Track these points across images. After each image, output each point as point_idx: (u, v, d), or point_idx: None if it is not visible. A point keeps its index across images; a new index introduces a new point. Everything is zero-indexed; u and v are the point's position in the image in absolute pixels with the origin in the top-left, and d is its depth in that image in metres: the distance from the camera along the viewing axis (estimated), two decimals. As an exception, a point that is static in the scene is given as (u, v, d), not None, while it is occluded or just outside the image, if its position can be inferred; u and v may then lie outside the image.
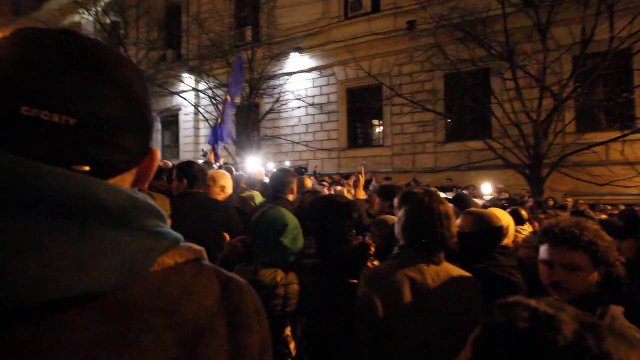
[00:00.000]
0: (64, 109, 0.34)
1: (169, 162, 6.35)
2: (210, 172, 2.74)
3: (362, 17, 11.48)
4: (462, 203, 3.00)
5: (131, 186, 0.43)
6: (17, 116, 0.32)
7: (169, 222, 1.01)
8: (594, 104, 7.93)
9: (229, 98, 5.16)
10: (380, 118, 11.59)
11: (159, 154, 0.46)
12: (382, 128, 11.58)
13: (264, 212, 1.54)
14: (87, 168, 0.35)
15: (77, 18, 17.65)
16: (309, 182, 4.18)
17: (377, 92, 11.09)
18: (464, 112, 9.41)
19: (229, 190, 2.63)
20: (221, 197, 2.55)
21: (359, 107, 11.81)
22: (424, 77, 10.26)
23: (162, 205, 1.52)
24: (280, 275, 1.39)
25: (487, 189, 7.09)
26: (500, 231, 1.68)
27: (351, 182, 3.16)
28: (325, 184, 6.85)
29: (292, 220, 1.50)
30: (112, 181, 0.38)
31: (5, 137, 0.32)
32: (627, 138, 7.07)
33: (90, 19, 15.35)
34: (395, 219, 1.61)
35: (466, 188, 7.20)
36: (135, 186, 0.44)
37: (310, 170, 10.67)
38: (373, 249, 1.74)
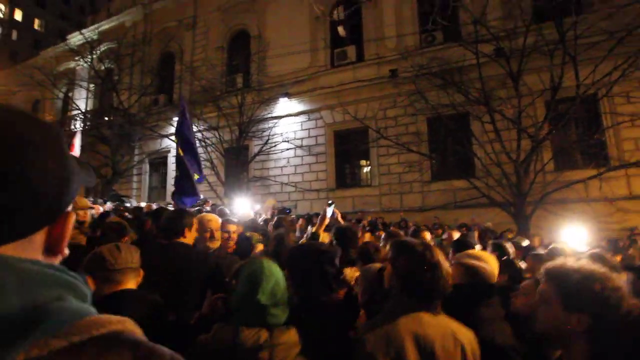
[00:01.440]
0: None
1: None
2: (200, 215, 2.65)
3: (347, 65, 12.09)
4: (462, 247, 2.89)
5: (45, 252, 0.40)
6: None
7: (139, 274, 1.19)
8: (568, 145, 8.29)
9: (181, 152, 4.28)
10: (367, 158, 11.79)
11: (72, 218, 0.43)
12: (369, 168, 11.74)
13: (243, 265, 1.42)
14: None
15: (72, 64, 18.15)
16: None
17: (363, 134, 11.36)
18: (448, 152, 9.68)
19: (218, 234, 2.51)
20: (213, 243, 2.44)
21: (346, 148, 12.02)
22: (408, 120, 10.64)
23: (129, 257, 1.54)
24: (264, 336, 1.23)
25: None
26: (491, 289, 1.62)
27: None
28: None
29: (272, 274, 1.35)
30: (3, 249, 0.35)
31: None
32: (603, 175, 7.32)
33: (85, 65, 15.75)
34: (377, 266, 1.65)
35: (463, 226, 7.15)
36: (49, 253, 0.41)
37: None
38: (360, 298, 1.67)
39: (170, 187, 14.54)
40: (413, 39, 11.12)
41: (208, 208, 9.98)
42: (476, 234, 6.91)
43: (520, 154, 7.55)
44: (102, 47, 16.54)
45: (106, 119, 15.09)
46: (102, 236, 2.78)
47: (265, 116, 12.65)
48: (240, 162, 12.43)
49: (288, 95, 12.53)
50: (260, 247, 2.88)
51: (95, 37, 17.30)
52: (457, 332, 1.27)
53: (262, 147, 12.32)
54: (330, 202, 3.25)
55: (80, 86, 16.58)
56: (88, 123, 16.17)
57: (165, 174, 15.13)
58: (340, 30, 12.84)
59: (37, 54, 21.89)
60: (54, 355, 0.32)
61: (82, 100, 16.95)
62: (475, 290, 1.59)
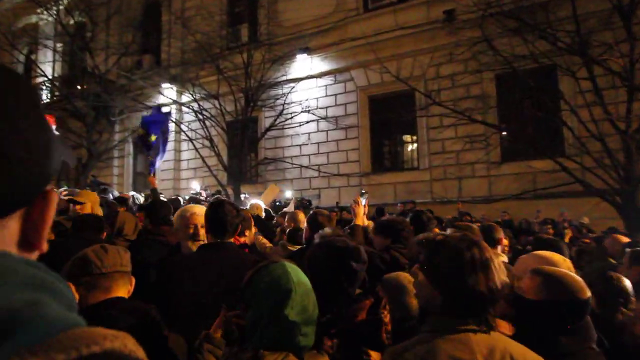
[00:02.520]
0: None
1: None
2: (183, 207, 2.81)
3: (385, 7, 11.71)
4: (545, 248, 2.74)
5: (19, 245, 0.43)
6: None
7: (131, 281, 1.67)
8: None
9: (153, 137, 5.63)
10: (413, 133, 11.53)
11: (55, 198, 0.45)
12: (416, 145, 11.48)
13: (260, 269, 1.40)
14: None
15: (33, 19, 18.46)
16: (302, 216, 4.19)
17: (408, 100, 11.05)
18: (525, 122, 9.23)
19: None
20: (196, 244, 2.48)
21: (386, 119, 11.79)
22: (470, 79, 10.16)
23: (117, 259, 1.63)
24: None
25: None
26: (586, 306, 1.54)
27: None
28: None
29: (301, 281, 1.36)
30: None
31: None
32: None
33: (50, 19, 15.99)
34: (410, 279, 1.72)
35: (547, 223, 6.83)
36: (24, 246, 0.43)
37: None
38: (387, 317, 1.71)
39: (161, 172, 14.81)
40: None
41: (203, 197, 10.07)
42: (568, 234, 6.58)
43: (631, 123, 7.02)
44: (71, -4, 16.73)
45: (78, 87, 15.35)
46: (76, 231, 2.90)
47: (279, 79, 12.53)
48: (248, 139, 12.42)
49: (308, 50, 12.33)
50: None
51: (61, -17, 17.49)
52: (520, 358, 1.20)
53: (276, 120, 12.26)
54: (363, 191, 3.55)
55: (45, 46, 16.88)
56: (56, 93, 16.56)
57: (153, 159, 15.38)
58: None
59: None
60: None
61: (48, 64, 17.29)
62: (565, 310, 1.51)
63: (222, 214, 2.25)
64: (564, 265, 1.90)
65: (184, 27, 13.51)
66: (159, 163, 5.85)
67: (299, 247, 3.46)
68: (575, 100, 8.00)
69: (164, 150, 5.75)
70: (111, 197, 8.43)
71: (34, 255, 0.45)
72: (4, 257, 0.38)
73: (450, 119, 9.53)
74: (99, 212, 3.70)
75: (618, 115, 7.22)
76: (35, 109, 0.43)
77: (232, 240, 2.33)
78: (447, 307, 1.27)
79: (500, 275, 1.27)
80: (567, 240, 6.21)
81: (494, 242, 3.00)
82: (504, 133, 9.91)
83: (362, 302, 1.77)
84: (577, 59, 7.72)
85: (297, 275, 1.38)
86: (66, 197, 3.72)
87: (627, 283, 2.19)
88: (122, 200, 7.03)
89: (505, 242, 3.76)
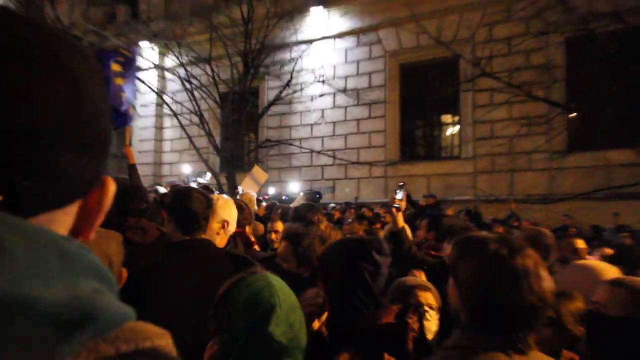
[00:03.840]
0: None
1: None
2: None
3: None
4: (627, 262, 2.76)
5: (71, 232, 0.47)
6: None
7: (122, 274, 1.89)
8: None
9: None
10: (455, 112, 11.43)
11: (112, 187, 0.50)
12: (457, 128, 11.38)
13: (237, 282, 1.48)
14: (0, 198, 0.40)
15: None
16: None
17: (450, 69, 10.99)
18: (603, 101, 8.97)
19: (233, 226, 2.81)
20: (223, 238, 2.67)
21: (420, 93, 11.72)
22: (531, 44, 9.92)
23: (118, 250, 1.74)
24: None
25: None
26: None
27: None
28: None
29: (286, 295, 1.44)
30: (35, 220, 0.41)
31: None
32: None
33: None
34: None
35: (626, 230, 6.69)
36: (76, 234, 0.48)
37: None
38: (416, 323, 1.79)
39: (140, 154, 15.00)
40: None
41: (199, 182, 10.09)
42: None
43: None
44: None
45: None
46: None
47: (287, 39, 12.53)
48: (246, 115, 12.44)
49: (324, 3, 12.27)
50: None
51: None
52: None
53: (282, 92, 12.25)
54: (400, 183, 3.63)
55: (0, -5, 17.20)
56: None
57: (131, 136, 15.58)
58: None
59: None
60: None
61: (3, 18, 17.64)
62: None
63: (191, 205, 2.34)
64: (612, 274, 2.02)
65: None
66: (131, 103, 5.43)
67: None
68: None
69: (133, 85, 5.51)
70: None
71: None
72: (71, 241, 0.40)
73: (504, 94, 9.37)
74: None
75: None
76: (105, 98, 0.48)
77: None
78: (473, 321, 1.33)
79: (543, 288, 1.29)
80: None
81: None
82: (574, 114, 9.70)
83: (389, 307, 1.86)
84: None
85: (282, 288, 1.46)
86: None
87: None
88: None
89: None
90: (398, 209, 3.44)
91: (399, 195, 3.53)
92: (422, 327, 1.94)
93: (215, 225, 2.64)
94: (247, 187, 7.49)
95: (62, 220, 0.46)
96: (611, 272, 2.07)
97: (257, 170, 8.22)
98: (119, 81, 5.18)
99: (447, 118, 11.76)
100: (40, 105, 0.40)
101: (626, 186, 8.28)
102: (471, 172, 10.82)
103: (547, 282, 1.31)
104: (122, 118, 5.27)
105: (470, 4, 10.85)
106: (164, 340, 0.47)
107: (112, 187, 0.50)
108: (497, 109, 10.11)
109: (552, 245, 3.17)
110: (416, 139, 12.12)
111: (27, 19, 0.44)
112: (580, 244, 3.80)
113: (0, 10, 0.43)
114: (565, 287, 2.01)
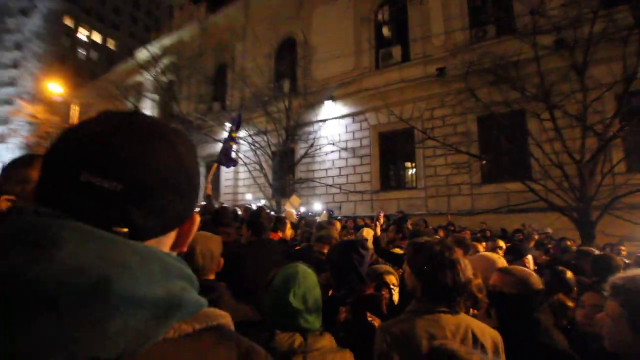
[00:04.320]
0: (114, 175, 0.38)
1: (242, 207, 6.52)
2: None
3: (392, 66, 11.78)
4: (516, 253, 2.73)
5: (171, 248, 0.46)
6: (76, 181, 0.37)
7: (220, 262, 1.62)
8: (644, 143, 7.28)
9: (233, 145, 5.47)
10: (412, 160, 11.39)
11: (198, 219, 0.48)
12: (415, 170, 11.33)
13: (280, 270, 1.41)
14: (124, 230, 0.38)
15: (139, 78, 19.82)
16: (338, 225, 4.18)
17: (409, 135, 10.98)
18: (500, 153, 9.00)
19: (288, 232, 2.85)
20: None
21: (391, 150, 11.73)
22: (456, 119, 10.09)
23: (217, 246, 1.70)
24: (298, 340, 1.20)
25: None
26: (540, 293, 1.57)
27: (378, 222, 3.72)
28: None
29: (307, 279, 1.33)
30: (148, 242, 0.40)
31: (65, 199, 0.37)
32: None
33: (151, 78, 17.09)
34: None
35: (518, 232, 6.65)
36: (174, 248, 0.46)
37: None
38: (387, 295, 1.81)
39: (224, 187, 15.25)
40: (462, 35, 10.52)
41: (254, 207, 10.28)
42: (533, 240, 6.36)
43: (584, 154, 6.77)
44: (164, 61, 17.86)
45: (168, 126, 16.21)
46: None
47: (311, 119, 12.74)
48: (287, 164, 12.65)
49: (333, 98, 12.50)
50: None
51: (158, 52, 18.71)
52: (479, 332, 1.23)
53: (308, 150, 12.42)
54: (380, 208, 3.80)
55: (147, 97, 18.04)
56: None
57: (219, 175, 15.91)
58: (385, 30, 12.57)
59: (110, 70, 24.29)
60: (182, 338, 0.39)
61: (148, 110, 18.37)
62: (529, 298, 1.53)
63: (261, 218, 2.38)
64: (499, 262, 1.97)
65: (243, 82, 14.03)
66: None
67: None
68: (540, 137, 7.77)
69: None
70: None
71: (175, 253, 0.48)
72: (170, 256, 0.41)
73: (441, 150, 9.40)
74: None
75: (574, 148, 6.98)
76: (196, 166, 0.47)
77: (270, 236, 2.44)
78: (425, 294, 1.29)
79: (466, 273, 1.29)
80: (532, 244, 6.03)
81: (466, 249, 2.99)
82: (484, 161, 9.68)
83: (369, 283, 1.84)
84: (541, 105, 7.53)
85: (305, 274, 1.35)
86: None
87: (569, 275, 2.17)
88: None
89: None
90: (379, 223, 3.63)
91: (381, 213, 3.77)
92: (391, 297, 1.95)
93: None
94: (288, 207, 7.61)
95: (165, 242, 0.44)
96: (499, 260, 2.00)
97: (293, 198, 8.34)
98: (231, 143, 5.31)
99: (408, 164, 11.74)
100: (150, 169, 0.39)
101: (517, 205, 8.23)
102: (423, 196, 10.78)
103: (468, 269, 1.30)
104: (232, 162, 5.42)
105: (420, 96, 11.02)
106: (225, 319, 0.45)
107: (197, 220, 0.48)
108: (438, 158, 10.13)
109: (470, 244, 3.10)
110: (390, 177, 12.01)
111: (152, 118, 0.45)
112: (501, 243, 3.66)
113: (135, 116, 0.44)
114: (473, 268, 1.84)
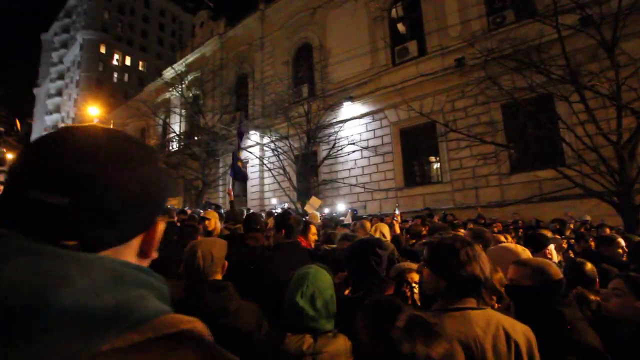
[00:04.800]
0: (61, 190, 0.38)
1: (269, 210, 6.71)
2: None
3: (409, 61, 11.58)
4: (536, 244, 2.54)
5: (138, 256, 0.45)
6: (25, 198, 0.38)
7: (225, 264, 1.55)
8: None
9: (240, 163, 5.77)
10: (436, 154, 11.09)
11: (162, 226, 0.47)
12: (439, 164, 11.02)
13: (298, 270, 1.38)
14: (73, 242, 0.38)
15: (167, 95, 20.74)
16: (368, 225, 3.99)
17: (430, 130, 10.71)
18: (529, 140, 8.54)
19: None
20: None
21: (413, 145, 11.48)
22: (479, 109, 9.73)
23: (219, 250, 1.70)
24: (307, 342, 1.17)
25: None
26: (560, 284, 1.46)
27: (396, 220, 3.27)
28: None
29: (318, 280, 1.28)
30: (104, 253, 0.40)
31: (15, 216, 0.38)
32: None
33: (177, 94, 17.84)
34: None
35: (555, 221, 6.27)
36: (141, 256, 0.45)
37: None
38: (409, 293, 1.65)
39: (251, 194, 15.55)
40: (479, 23, 10.16)
41: (279, 210, 10.34)
42: (569, 229, 5.99)
43: (622, 135, 6.28)
44: (189, 77, 18.60)
45: (195, 138, 16.84)
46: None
47: (331, 121, 12.73)
48: (310, 167, 12.70)
49: (351, 98, 12.45)
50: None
51: (183, 69, 19.50)
52: (510, 328, 1.15)
53: (330, 151, 12.42)
54: (397, 204, 3.55)
55: (175, 112, 18.86)
56: (181, 143, 18.27)
57: (245, 182, 16.25)
58: (400, 27, 12.40)
59: (141, 90, 25.59)
60: (130, 349, 0.36)
61: (177, 124, 19.21)
62: (549, 290, 1.43)
63: (290, 221, 2.36)
64: (522, 254, 1.81)
65: (263, 91, 14.36)
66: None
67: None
68: (570, 120, 7.32)
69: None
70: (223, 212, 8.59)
71: (146, 262, 0.47)
72: (126, 265, 0.40)
73: (465, 142, 9.08)
74: (219, 224, 3.70)
75: (609, 129, 6.50)
76: (157, 165, 0.46)
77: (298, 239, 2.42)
78: (450, 291, 1.22)
79: (487, 265, 1.23)
80: (568, 233, 5.68)
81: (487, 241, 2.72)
82: (512, 150, 9.16)
83: (389, 282, 1.77)
84: (570, 87, 7.10)
85: (317, 275, 1.31)
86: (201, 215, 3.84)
87: (589, 267, 1.98)
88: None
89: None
90: (396, 221, 3.41)
91: (397, 211, 3.57)
92: (413, 296, 1.83)
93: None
94: (309, 209, 7.57)
95: (125, 251, 0.43)
96: (522, 253, 1.83)
97: (313, 199, 8.28)
98: (239, 162, 5.47)
99: (431, 158, 11.45)
100: (98, 181, 0.39)
101: (552, 192, 7.79)
102: (450, 190, 10.45)
103: (487, 265, 1.24)
104: (244, 176, 5.64)
105: (439, 89, 10.76)
106: (190, 325, 0.40)
107: (161, 226, 0.47)
108: (462, 151, 9.86)
109: (491, 237, 2.83)
110: (414, 173, 11.71)
111: (118, 134, 0.44)
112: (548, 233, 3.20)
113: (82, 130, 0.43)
114: (493, 262, 1.66)
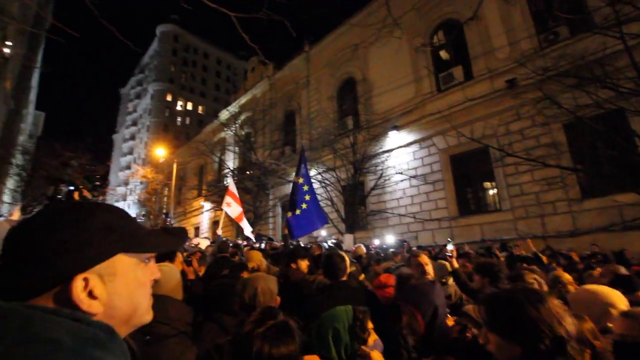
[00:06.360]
0: None
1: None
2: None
3: (455, 87, 11.34)
4: (626, 285, 2.18)
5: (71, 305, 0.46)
6: None
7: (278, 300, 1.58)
8: None
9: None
10: (491, 180, 10.39)
11: (77, 285, 0.47)
12: (495, 191, 10.29)
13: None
14: None
15: (223, 134, 22.43)
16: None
17: (483, 155, 10.16)
18: (600, 162, 7.67)
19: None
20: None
21: (466, 172, 10.91)
22: (538, 131, 9.05)
23: (275, 286, 1.72)
24: None
25: None
26: None
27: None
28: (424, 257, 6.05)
29: (337, 319, 1.30)
30: (35, 300, 0.45)
31: None
32: None
33: (231, 133, 19.21)
34: None
35: None
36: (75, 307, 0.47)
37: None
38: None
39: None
40: (530, 43, 9.72)
41: (328, 243, 10.20)
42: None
43: None
44: (242, 117, 20.11)
45: (247, 172, 17.77)
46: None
47: (377, 151, 12.68)
48: (358, 197, 12.57)
49: (397, 127, 12.39)
50: None
51: (236, 110, 21.15)
52: None
53: (377, 181, 12.26)
54: (449, 239, 3.63)
55: (229, 150, 20.25)
56: (235, 178, 19.37)
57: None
58: (443, 54, 12.31)
59: (200, 131, 28.01)
60: None
61: (231, 161, 20.54)
62: None
63: (334, 263, 2.26)
64: (615, 298, 1.52)
65: (310, 125, 14.88)
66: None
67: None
68: (650, 136, 6.47)
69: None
70: (277, 244, 8.64)
71: (90, 309, 0.48)
72: (39, 309, 0.42)
73: (525, 165, 8.43)
74: (264, 262, 3.70)
75: None
76: (74, 225, 0.49)
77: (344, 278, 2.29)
78: (529, 356, 1.00)
79: (567, 316, 1.01)
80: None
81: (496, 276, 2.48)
82: (580, 173, 8.29)
83: (452, 327, 1.73)
84: (644, 100, 6.36)
85: (336, 316, 1.34)
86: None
87: None
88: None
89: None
90: (450, 257, 3.02)
91: (450, 246, 3.21)
92: (475, 337, 1.66)
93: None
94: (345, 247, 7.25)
95: (57, 297, 0.46)
96: (614, 296, 1.53)
97: (347, 236, 7.91)
98: (305, 187, 4.69)
99: (487, 185, 10.73)
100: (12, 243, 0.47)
101: (636, 219, 6.78)
102: (511, 219, 9.58)
103: (567, 315, 1.00)
104: (324, 218, 4.96)
105: (490, 113, 10.31)
106: None
107: (76, 286, 0.47)
108: (522, 175, 9.18)
109: (568, 281, 2.51)
110: (468, 200, 11.00)
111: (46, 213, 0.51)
112: (622, 269, 2.75)
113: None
114: (578, 308, 1.47)
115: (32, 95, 28.69)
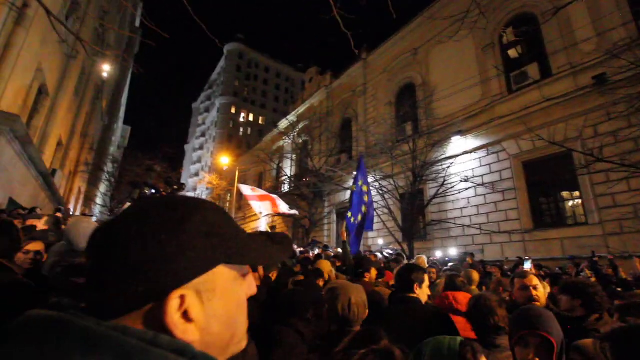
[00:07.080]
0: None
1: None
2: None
3: (529, 86, 10.31)
4: None
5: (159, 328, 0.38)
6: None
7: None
8: None
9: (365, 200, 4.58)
10: (574, 189, 9.17)
11: (172, 304, 0.39)
12: (579, 201, 9.03)
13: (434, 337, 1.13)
14: (84, 305, 0.39)
15: (281, 143, 23.32)
16: (476, 276, 3.50)
17: (564, 160, 9.04)
18: None
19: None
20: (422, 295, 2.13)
21: (542, 179, 9.76)
22: (637, 132, 7.76)
23: (359, 296, 1.61)
24: None
25: None
26: None
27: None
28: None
29: (439, 351, 1.03)
30: (117, 320, 0.37)
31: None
32: None
33: (289, 141, 19.86)
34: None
35: None
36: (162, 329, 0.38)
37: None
38: None
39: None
40: (624, 31, 8.44)
41: (384, 253, 9.83)
42: None
43: None
44: (300, 126, 20.67)
45: (304, 180, 18.13)
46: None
47: (439, 158, 12.03)
48: (417, 206, 11.95)
49: (461, 132, 11.65)
50: None
51: (294, 119, 21.79)
52: None
53: (438, 190, 11.54)
54: (526, 257, 2.87)
55: (287, 157, 20.92)
56: (292, 185, 19.87)
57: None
58: (512, 52, 11.33)
59: (260, 140, 29.49)
60: None
61: (288, 168, 21.19)
62: None
63: (409, 275, 2.07)
64: None
65: (367, 132, 14.70)
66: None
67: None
68: None
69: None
70: (331, 252, 8.65)
71: (178, 332, 0.40)
72: (116, 329, 0.37)
73: (619, 173, 7.28)
74: (333, 272, 3.73)
75: None
76: (171, 231, 0.40)
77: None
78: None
79: None
80: None
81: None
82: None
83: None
84: None
85: (441, 344, 1.07)
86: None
87: None
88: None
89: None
90: (535, 276, 2.68)
91: (527, 265, 2.89)
92: None
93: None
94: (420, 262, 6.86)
95: (137, 318, 0.38)
96: None
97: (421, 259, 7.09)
98: (364, 188, 4.52)
99: (567, 194, 9.49)
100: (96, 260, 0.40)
101: None
102: (601, 234, 8.28)
103: None
104: (371, 223, 4.72)
105: (573, 113, 9.14)
106: None
107: (170, 303, 0.39)
108: (616, 184, 7.89)
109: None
110: (544, 212, 9.81)
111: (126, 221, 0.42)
112: None
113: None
114: None
115: (122, 112, 32.92)
